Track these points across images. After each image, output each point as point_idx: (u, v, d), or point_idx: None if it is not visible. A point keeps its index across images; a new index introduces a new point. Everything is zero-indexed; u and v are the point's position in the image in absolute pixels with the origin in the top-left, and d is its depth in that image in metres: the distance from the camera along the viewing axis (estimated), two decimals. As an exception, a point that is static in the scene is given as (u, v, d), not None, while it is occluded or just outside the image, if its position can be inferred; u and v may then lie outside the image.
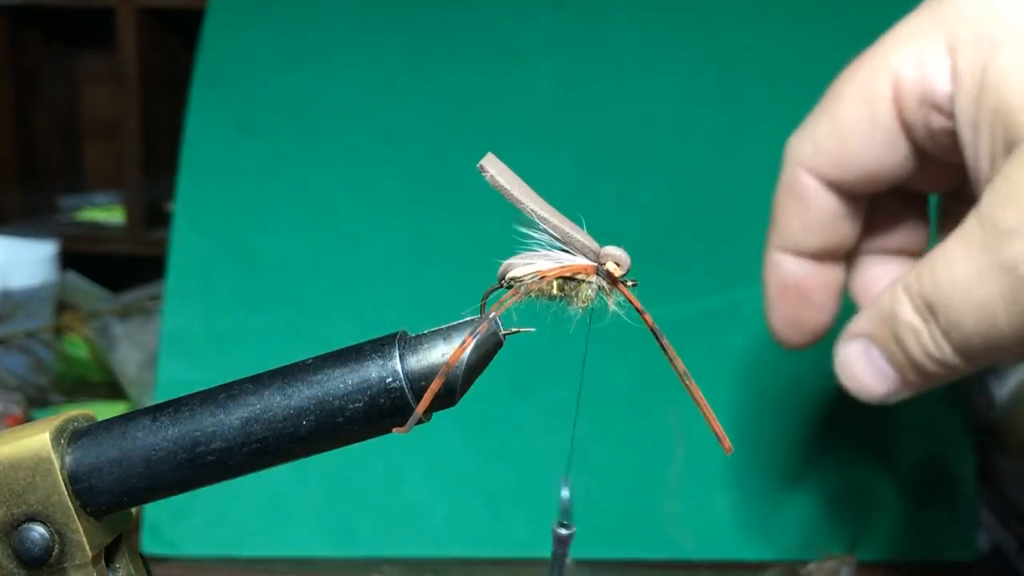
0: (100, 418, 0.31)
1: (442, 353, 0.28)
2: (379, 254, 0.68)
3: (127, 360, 0.84)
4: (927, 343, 0.38)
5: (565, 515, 0.43)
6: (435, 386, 0.27)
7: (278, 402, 0.28)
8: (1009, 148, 0.36)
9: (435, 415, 0.29)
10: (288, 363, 0.29)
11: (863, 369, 0.42)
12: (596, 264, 0.29)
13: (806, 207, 0.44)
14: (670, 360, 0.29)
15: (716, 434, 0.29)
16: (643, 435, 0.64)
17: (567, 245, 0.29)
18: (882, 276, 0.46)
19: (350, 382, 0.28)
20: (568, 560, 0.35)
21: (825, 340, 0.49)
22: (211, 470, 0.29)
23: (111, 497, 0.29)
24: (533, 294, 0.29)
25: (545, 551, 0.63)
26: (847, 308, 0.48)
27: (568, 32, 0.73)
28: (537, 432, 0.64)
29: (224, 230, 0.68)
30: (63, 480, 0.28)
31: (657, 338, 0.29)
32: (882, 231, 0.46)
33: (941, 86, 0.39)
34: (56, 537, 0.29)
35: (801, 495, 0.64)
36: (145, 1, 1.60)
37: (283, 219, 0.69)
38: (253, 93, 0.72)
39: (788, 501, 0.63)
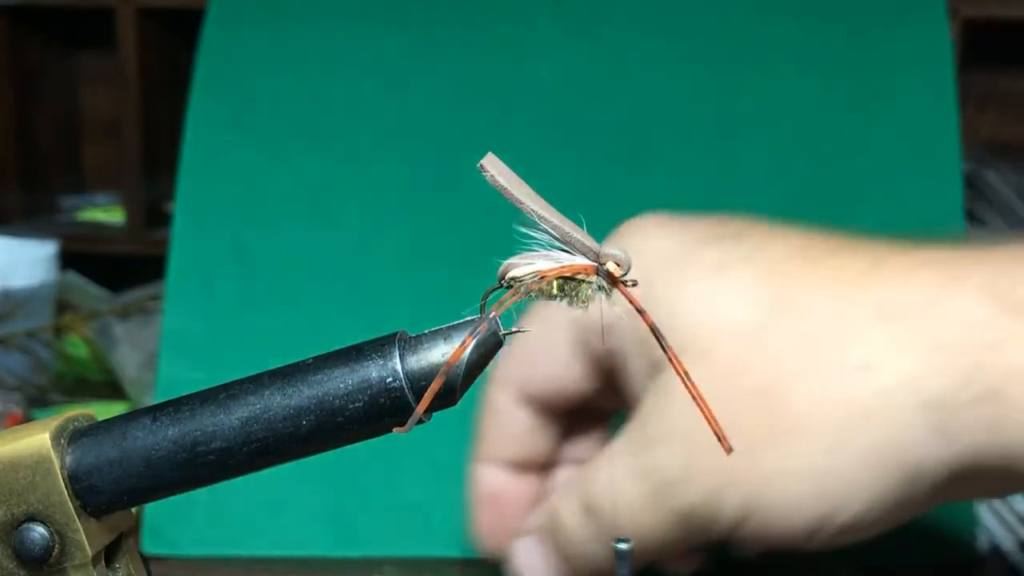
0: (100, 418, 0.31)
1: (442, 353, 0.28)
2: (379, 254, 0.68)
3: (127, 360, 0.84)
4: (586, 540, 0.42)
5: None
6: (435, 386, 0.27)
7: (278, 402, 0.28)
8: (656, 368, 0.40)
9: (435, 415, 0.29)
10: (288, 363, 0.29)
11: (534, 564, 0.45)
12: (596, 264, 0.29)
13: (501, 420, 0.47)
14: (670, 360, 0.29)
15: (716, 434, 0.29)
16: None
17: (567, 245, 0.29)
18: None
19: (350, 382, 0.28)
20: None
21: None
22: (211, 470, 0.29)
23: (111, 497, 0.29)
24: (533, 294, 0.29)
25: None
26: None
27: (569, 32, 0.73)
28: (537, 432, 0.64)
29: (224, 230, 0.68)
30: (63, 480, 0.28)
31: (657, 338, 0.29)
32: (577, 443, 0.50)
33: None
34: (56, 537, 0.29)
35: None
36: (145, 1, 1.60)
37: (283, 219, 0.69)
38: (253, 93, 0.72)
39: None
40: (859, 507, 0.38)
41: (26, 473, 0.28)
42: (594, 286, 0.29)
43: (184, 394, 0.29)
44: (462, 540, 0.63)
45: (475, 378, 0.28)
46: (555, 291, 0.29)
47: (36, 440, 0.29)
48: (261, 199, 0.69)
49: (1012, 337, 0.37)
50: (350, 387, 0.28)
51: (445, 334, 0.28)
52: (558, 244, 0.29)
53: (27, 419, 0.76)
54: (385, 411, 0.28)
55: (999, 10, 1.49)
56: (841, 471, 0.38)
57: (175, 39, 1.67)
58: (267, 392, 0.28)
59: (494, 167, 0.28)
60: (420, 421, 0.28)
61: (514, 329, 0.29)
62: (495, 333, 0.28)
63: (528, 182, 0.29)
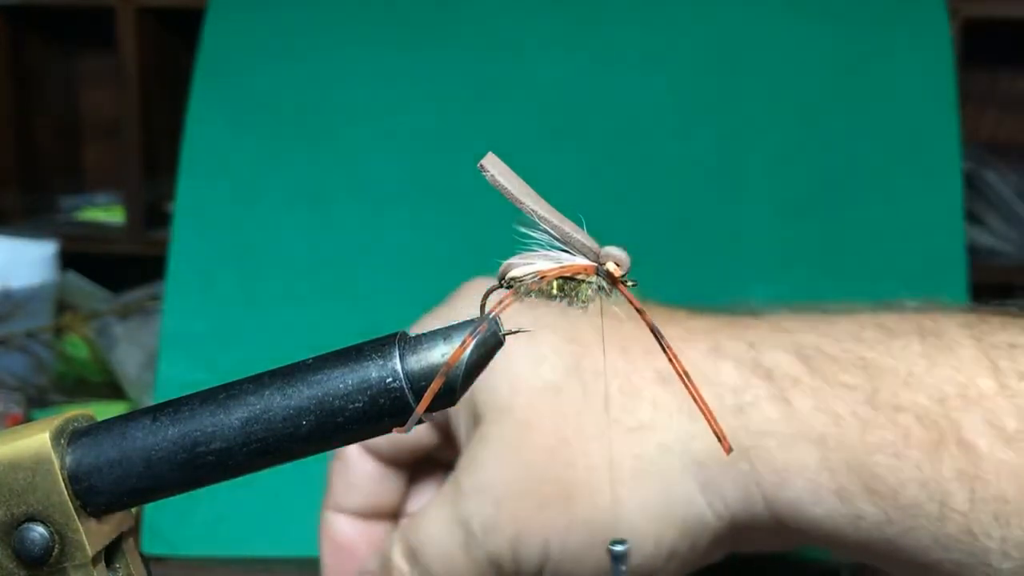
0: (100, 418, 0.31)
1: (442, 353, 0.28)
2: (379, 254, 0.68)
3: (127, 360, 0.84)
4: None
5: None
6: (435, 386, 0.27)
7: (278, 402, 0.28)
8: (475, 421, 0.43)
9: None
10: (288, 363, 0.29)
11: None
12: (596, 264, 0.29)
13: (348, 469, 0.49)
14: (670, 360, 0.29)
15: (716, 434, 0.29)
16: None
17: (567, 245, 0.29)
18: None
19: (350, 382, 0.28)
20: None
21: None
22: (211, 470, 0.28)
23: (111, 497, 0.29)
24: (533, 294, 0.29)
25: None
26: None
27: (569, 31, 0.73)
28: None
29: (224, 230, 0.68)
30: (63, 480, 0.28)
31: (657, 338, 0.29)
32: (424, 492, 0.52)
33: None
34: (56, 537, 0.29)
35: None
36: (145, 1, 1.60)
37: (283, 219, 0.69)
38: (253, 92, 0.72)
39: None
40: (642, 557, 0.41)
41: (26, 473, 0.28)
42: (594, 286, 0.29)
43: (184, 394, 0.29)
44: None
45: (475, 378, 0.28)
46: (555, 291, 0.29)
47: (36, 440, 0.28)
48: (261, 199, 0.69)
49: (759, 400, 0.40)
50: (350, 387, 0.28)
51: (445, 334, 0.28)
52: (558, 244, 0.29)
53: (27, 419, 0.76)
54: (385, 411, 0.28)
55: (999, 10, 1.49)
56: (623, 523, 0.41)
57: (175, 39, 1.67)
58: (267, 392, 0.28)
59: (494, 167, 0.28)
60: (420, 421, 0.28)
61: (514, 329, 0.29)
62: (495, 333, 0.28)
63: (528, 182, 0.29)
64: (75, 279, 1.04)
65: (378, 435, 0.29)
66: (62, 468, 0.29)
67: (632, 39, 0.73)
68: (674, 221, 0.68)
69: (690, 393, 0.29)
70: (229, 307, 0.67)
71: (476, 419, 0.43)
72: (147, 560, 0.32)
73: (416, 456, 0.49)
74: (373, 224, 0.69)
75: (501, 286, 0.29)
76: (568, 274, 0.29)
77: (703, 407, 0.29)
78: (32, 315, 0.91)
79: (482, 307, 0.29)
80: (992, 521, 0.37)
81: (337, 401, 0.28)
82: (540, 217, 0.28)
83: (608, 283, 0.29)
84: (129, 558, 0.31)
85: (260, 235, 0.68)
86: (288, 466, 0.29)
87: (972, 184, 1.45)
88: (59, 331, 0.91)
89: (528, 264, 0.29)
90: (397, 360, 0.28)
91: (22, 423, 0.41)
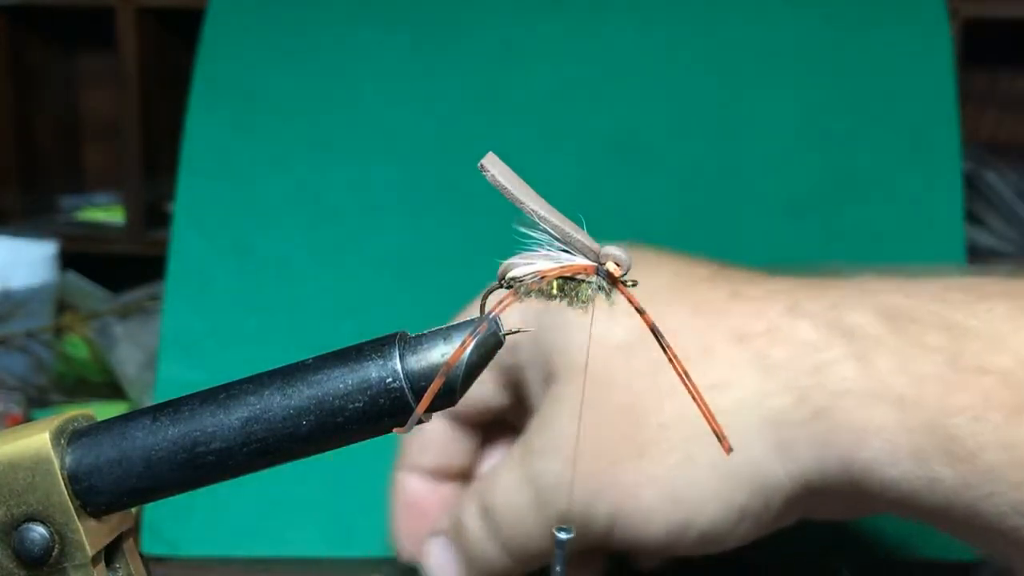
0: (100, 418, 0.31)
1: (442, 353, 0.28)
2: (379, 254, 0.68)
3: (127, 360, 0.84)
4: (484, 542, 0.45)
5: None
6: (435, 386, 0.27)
7: (278, 402, 0.28)
8: (549, 380, 0.43)
9: (435, 415, 0.29)
10: (288, 363, 0.29)
11: (442, 564, 0.48)
12: (596, 264, 0.29)
13: (422, 429, 0.49)
14: (670, 360, 0.29)
15: (716, 434, 0.29)
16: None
17: (567, 245, 0.29)
18: None
19: (350, 382, 0.28)
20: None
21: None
22: (211, 470, 0.29)
23: (111, 497, 0.29)
24: (533, 294, 0.29)
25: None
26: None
27: (569, 32, 0.73)
28: (537, 432, 0.64)
29: (224, 230, 0.68)
30: (63, 480, 0.28)
31: (657, 338, 0.29)
32: (495, 453, 0.52)
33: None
34: (56, 537, 0.29)
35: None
36: (145, 1, 1.60)
37: (283, 219, 0.69)
38: (253, 93, 0.72)
39: (788, 501, 0.63)
40: (712, 516, 0.41)
41: (26, 473, 0.28)
42: (594, 286, 0.29)
43: (184, 394, 0.29)
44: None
45: (475, 378, 0.28)
46: (555, 291, 0.29)
47: (36, 440, 0.29)
48: (261, 199, 0.69)
49: (839, 359, 0.40)
50: (350, 387, 0.28)
51: (445, 334, 0.28)
52: (558, 244, 0.29)
53: (27, 419, 0.76)
54: (385, 411, 0.28)
55: (999, 10, 1.49)
56: (693, 482, 0.41)
57: (175, 39, 1.67)
58: (267, 392, 0.28)
59: (494, 167, 0.28)
60: (420, 421, 0.28)
61: (514, 329, 0.29)
62: (495, 333, 0.28)
63: (528, 182, 0.29)
64: (75, 279, 1.04)
65: (378, 435, 0.29)
66: (62, 468, 0.29)
67: (632, 38, 0.73)
68: (674, 221, 0.68)
69: (690, 393, 0.29)
70: (229, 307, 0.67)
71: (549, 379, 0.43)
72: (147, 560, 0.32)
73: (488, 417, 0.50)
74: (373, 224, 0.69)
75: (501, 286, 0.29)
76: (568, 274, 0.29)
77: (703, 407, 0.29)
78: (32, 315, 0.90)
79: (482, 307, 0.29)
80: None
81: (337, 401, 0.28)
82: (540, 217, 0.28)
83: (608, 283, 0.29)
84: (129, 558, 0.31)
85: (260, 235, 0.68)
86: (288, 466, 0.29)
87: (972, 184, 1.45)
88: (59, 331, 0.91)
89: (528, 264, 0.29)
90: (397, 360, 0.28)
91: (22, 423, 0.41)
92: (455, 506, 0.47)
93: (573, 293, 0.29)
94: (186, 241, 0.68)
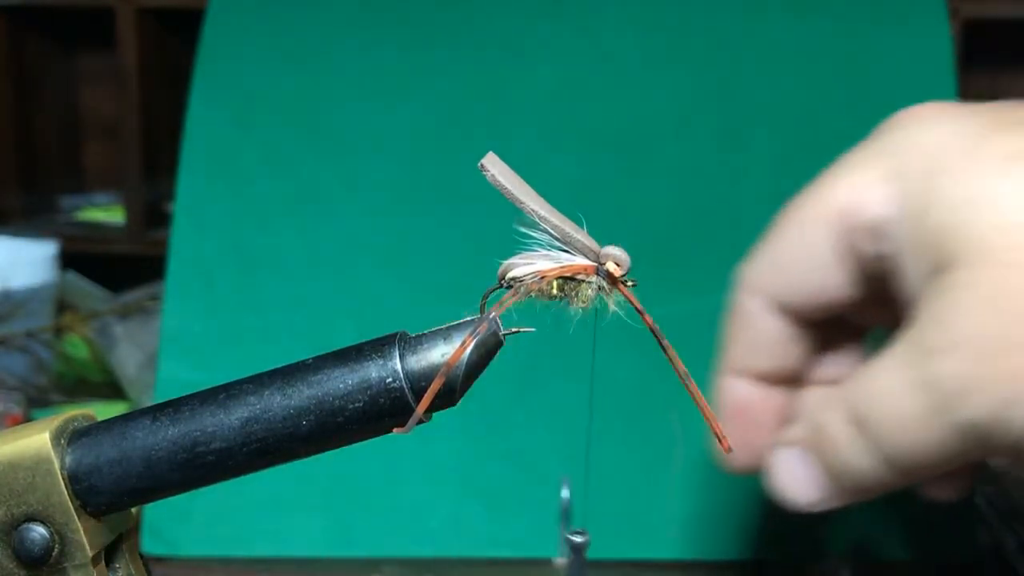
0: (100, 418, 0.31)
1: (442, 353, 0.28)
2: (379, 254, 0.68)
3: (127, 360, 0.84)
4: (856, 453, 0.40)
5: (566, 517, 0.43)
6: (435, 386, 0.27)
7: (278, 402, 0.28)
8: (939, 270, 0.37)
9: (435, 415, 0.29)
10: (288, 363, 0.29)
11: (795, 477, 0.43)
12: (596, 264, 0.29)
13: (752, 330, 0.45)
14: (670, 360, 0.29)
15: (716, 434, 0.29)
16: (643, 435, 0.64)
17: (567, 245, 0.29)
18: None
19: (350, 382, 0.28)
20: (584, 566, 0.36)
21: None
22: (211, 470, 0.29)
23: (111, 497, 0.29)
24: (533, 294, 0.29)
25: (544, 551, 0.63)
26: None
27: (568, 31, 0.73)
28: (537, 432, 0.64)
29: (224, 230, 0.68)
30: (63, 480, 0.28)
31: (657, 338, 0.29)
32: (828, 361, 0.48)
33: (878, 210, 0.40)
34: (56, 537, 0.29)
35: (801, 495, 0.63)
36: (145, 1, 1.60)
37: (283, 219, 0.69)
38: (253, 93, 0.72)
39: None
40: None
41: (26, 473, 0.28)
42: (594, 286, 0.29)
43: (184, 394, 0.29)
44: (462, 540, 0.63)
45: (475, 378, 0.28)
46: (555, 291, 0.29)
47: (36, 440, 0.29)
48: (261, 199, 0.69)
49: None
50: (350, 387, 0.28)
51: (445, 334, 0.28)
52: (558, 244, 0.29)
53: (27, 419, 0.76)
54: (385, 411, 0.28)
55: (999, 10, 1.49)
56: None
57: (175, 39, 1.67)
58: (267, 392, 0.28)
59: (495, 167, 0.28)
60: (420, 421, 0.28)
61: (514, 329, 0.29)
62: (495, 333, 0.28)
63: (528, 182, 0.29)
64: (75, 279, 1.04)
65: (378, 435, 0.29)
66: (62, 468, 0.29)
67: (631, 38, 0.73)
68: (674, 221, 0.68)
69: (691, 393, 0.29)
70: (229, 307, 0.67)
71: (940, 265, 0.38)
72: (147, 560, 0.32)
73: (830, 314, 0.45)
74: (373, 224, 0.69)
75: (501, 286, 0.29)
76: (568, 274, 0.29)
77: (703, 408, 0.29)
78: (32, 315, 0.90)
79: (482, 307, 0.29)
80: None
81: (337, 401, 0.28)
82: (540, 217, 0.28)
83: (608, 283, 0.29)
84: (129, 558, 0.31)
85: (260, 235, 0.68)
86: (288, 466, 0.29)
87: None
88: (59, 331, 0.91)
89: (528, 264, 0.29)
90: (397, 360, 0.28)
91: (22, 423, 0.41)
92: (810, 414, 0.42)
93: (573, 293, 0.29)
94: (186, 241, 0.68)
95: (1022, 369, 0.35)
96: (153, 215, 1.65)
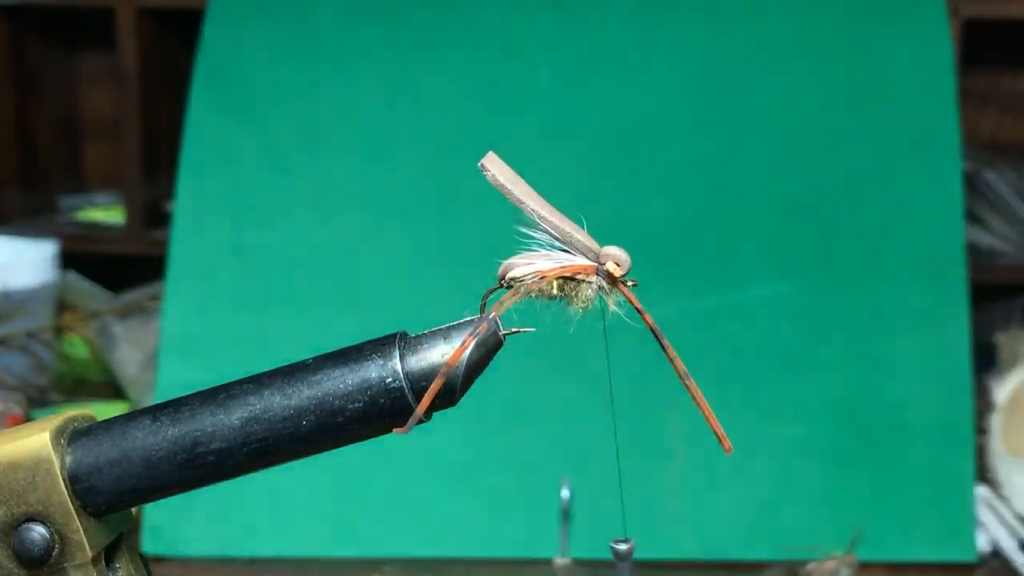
0: (100, 418, 0.30)
1: (442, 353, 0.28)
2: (379, 254, 0.68)
3: (127, 360, 0.84)
4: None
5: (566, 517, 0.43)
6: (435, 386, 0.27)
7: (278, 402, 0.28)
8: None
9: (435, 415, 0.29)
10: (288, 363, 0.29)
11: None
12: (596, 264, 0.29)
13: None
14: (670, 360, 0.29)
15: (716, 434, 0.29)
16: (643, 435, 0.64)
17: (567, 245, 0.29)
18: None
19: (350, 382, 0.28)
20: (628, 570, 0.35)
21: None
22: (211, 470, 0.28)
23: (111, 497, 0.29)
24: (533, 294, 0.29)
25: (544, 551, 0.63)
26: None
27: (568, 32, 0.73)
28: (537, 432, 0.64)
29: (224, 230, 0.68)
30: (63, 480, 0.28)
31: (657, 338, 0.29)
32: None
33: None
34: (56, 537, 0.28)
35: (801, 495, 0.63)
36: (145, 1, 1.60)
37: (283, 219, 0.69)
38: (253, 92, 0.72)
39: (788, 501, 0.63)
40: None
41: (26, 473, 0.28)
42: (594, 286, 0.29)
43: (184, 394, 0.29)
44: (462, 540, 0.63)
45: (475, 378, 0.28)
46: (555, 291, 0.29)
47: (36, 440, 0.28)
48: (261, 199, 0.69)
49: None
50: (350, 387, 0.28)
51: (445, 334, 0.28)
52: (558, 244, 0.29)
53: (27, 419, 0.76)
54: (385, 411, 0.28)
55: (999, 10, 1.49)
56: None
57: (175, 39, 1.67)
58: (267, 392, 0.28)
59: (495, 166, 0.28)
60: (420, 421, 0.28)
61: (514, 329, 0.29)
62: (495, 333, 0.28)
63: (528, 182, 0.29)
64: (75, 279, 1.04)
65: (378, 435, 0.28)
66: (62, 468, 0.28)
67: (632, 40, 0.73)
68: (674, 221, 0.68)
69: (691, 393, 0.29)
70: (229, 307, 0.67)
71: None
72: (147, 560, 0.32)
73: None
74: (372, 224, 0.69)
75: (501, 286, 0.29)
76: (568, 274, 0.29)
77: (704, 408, 0.28)
78: (32, 315, 0.90)
79: (482, 307, 0.29)
80: None
81: (337, 401, 0.28)
82: (540, 217, 0.28)
83: (608, 283, 0.29)
84: (129, 558, 0.31)
85: (260, 235, 0.68)
86: (288, 466, 0.29)
87: (972, 184, 1.45)
88: (59, 331, 0.91)
89: (528, 264, 0.29)
90: (397, 360, 0.28)
91: (22, 423, 0.41)
92: None
93: (573, 293, 0.29)
94: (186, 241, 0.68)
95: None
96: (153, 215, 1.65)
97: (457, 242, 0.68)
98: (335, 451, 0.29)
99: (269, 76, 0.72)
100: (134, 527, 0.32)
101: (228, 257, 0.68)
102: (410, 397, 0.28)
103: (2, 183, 1.70)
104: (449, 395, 0.28)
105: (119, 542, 0.31)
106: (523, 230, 0.29)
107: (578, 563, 0.61)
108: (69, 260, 1.09)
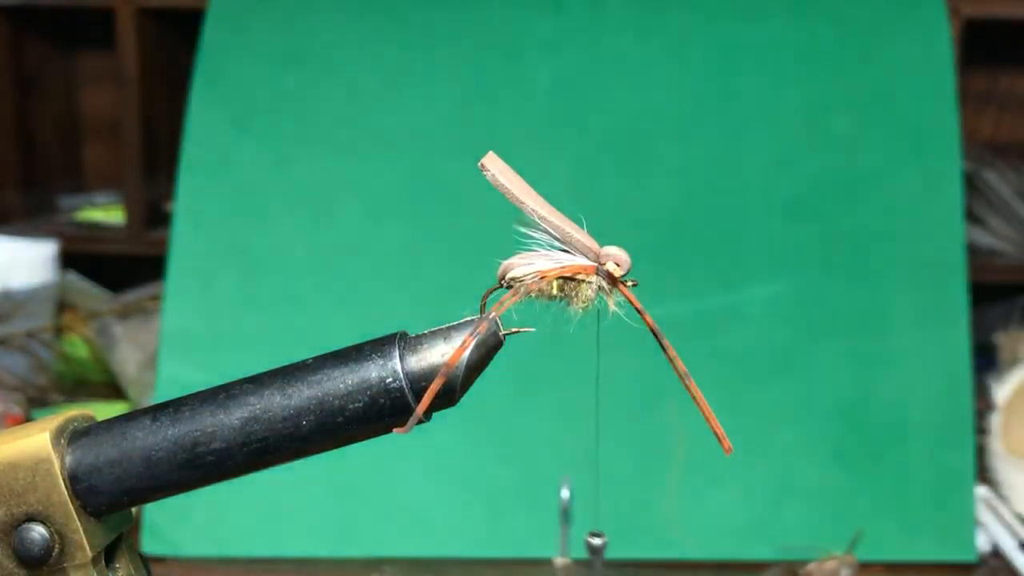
0: (100, 418, 0.30)
1: (442, 353, 0.28)
2: (379, 254, 0.68)
3: (127, 360, 0.84)
4: None
5: (566, 517, 0.43)
6: (435, 386, 0.27)
7: (278, 402, 0.28)
8: None
9: (435, 415, 0.29)
10: (288, 363, 0.29)
11: None
12: (596, 264, 0.29)
13: None
14: (670, 360, 0.29)
15: (716, 434, 0.29)
16: (643, 435, 0.64)
17: (567, 245, 0.29)
18: None
19: (350, 382, 0.28)
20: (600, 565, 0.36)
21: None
22: (211, 470, 0.28)
23: (111, 497, 0.29)
24: (533, 294, 0.29)
25: (544, 551, 0.63)
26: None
27: (568, 33, 0.73)
28: (537, 432, 0.64)
29: (224, 230, 0.68)
30: (63, 480, 0.28)
31: (657, 338, 0.29)
32: None
33: None
34: (56, 537, 0.29)
35: (801, 495, 0.63)
36: (145, 1, 1.60)
37: (283, 219, 0.69)
38: (253, 93, 0.72)
39: (788, 501, 0.63)
40: None
41: (26, 473, 0.28)
42: (594, 286, 0.29)
43: (184, 394, 0.29)
44: (462, 540, 0.63)
45: (475, 378, 0.28)
46: (555, 291, 0.29)
47: (36, 440, 0.28)
48: (261, 199, 0.69)
49: None
50: (350, 387, 0.28)
51: (445, 334, 0.28)
52: (558, 244, 0.29)
53: (27, 419, 0.76)
54: (385, 411, 0.28)
55: (999, 10, 1.49)
56: None
57: (175, 39, 1.67)
58: (267, 392, 0.28)
59: (495, 166, 0.28)
60: (420, 421, 0.28)
61: (514, 329, 0.29)
62: (495, 333, 0.28)
63: (528, 182, 0.29)
64: (75, 279, 1.04)
65: (378, 435, 0.28)
66: (62, 468, 0.29)
67: (632, 40, 0.73)
68: (674, 221, 0.68)
69: (691, 393, 0.29)
70: (229, 307, 0.67)
71: None
72: (147, 560, 0.32)
73: None
74: (372, 224, 0.69)
75: (501, 286, 0.29)
76: (568, 274, 0.29)
77: (703, 408, 0.29)
78: (32, 315, 0.90)
79: (482, 307, 0.29)
80: None
81: (337, 401, 0.28)
82: (540, 217, 0.28)
83: (608, 283, 0.29)
84: (129, 558, 0.31)
85: (260, 235, 0.68)
86: (288, 466, 0.29)
87: (972, 184, 1.45)
88: (59, 331, 0.91)
89: (528, 264, 0.29)
90: (397, 360, 0.28)
91: (22, 423, 0.41)
92: None
93: (573, 293, 0.29)
94: (186, 241, 0.68)
95: None
96: (153, 215, 1.65)
97: (457, 242, 0.68)
98: (335, 451, 0.29)
99: (269, 76, 0.73)
100: (134, 527, 0.32)
101: (228, 257, 0.68)
102: (410, 397, 0.28)
103: (2, 183, 1.70)
104: (449, 395, 0.28)
105: (119, 542, 0.31)
106: (523, 230, 0.29)
107: (578, 563, 0.61)
108: (69, 260, 1.09)
